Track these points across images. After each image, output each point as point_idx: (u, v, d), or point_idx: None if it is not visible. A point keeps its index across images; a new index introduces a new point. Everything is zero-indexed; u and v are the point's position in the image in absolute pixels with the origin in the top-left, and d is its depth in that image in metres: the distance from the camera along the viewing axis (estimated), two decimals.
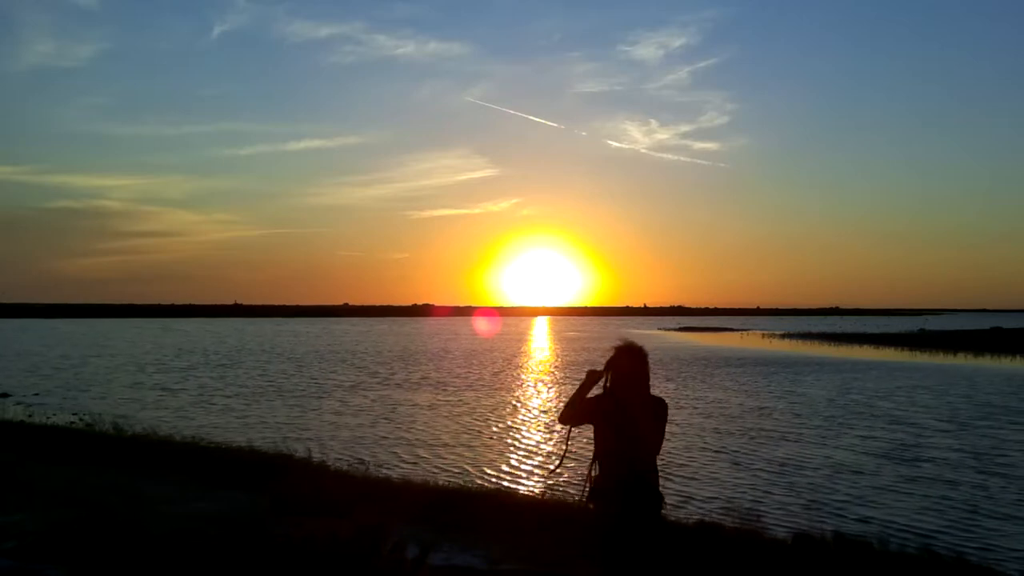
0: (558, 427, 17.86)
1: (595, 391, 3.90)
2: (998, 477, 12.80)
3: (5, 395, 23.28)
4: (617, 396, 3.82)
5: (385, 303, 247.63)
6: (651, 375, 3.93)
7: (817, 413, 20.40)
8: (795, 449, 15.19)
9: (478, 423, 18.97)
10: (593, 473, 3.90)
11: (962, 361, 42.01)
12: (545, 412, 21.29)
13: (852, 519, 10.00)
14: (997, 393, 25.48)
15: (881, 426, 18.21)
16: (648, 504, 3.76)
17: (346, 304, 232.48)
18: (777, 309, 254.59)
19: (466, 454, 14.82)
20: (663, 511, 3.87)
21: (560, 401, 23.68)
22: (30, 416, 18.00)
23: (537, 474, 13.21)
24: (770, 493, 11.50)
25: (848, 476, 12.79)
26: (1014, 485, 12.23)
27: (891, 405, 22.11)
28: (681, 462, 13.68)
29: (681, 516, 8.75)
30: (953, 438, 16.60)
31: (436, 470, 13.03)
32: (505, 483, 12.24)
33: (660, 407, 3.87)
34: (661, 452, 3.97)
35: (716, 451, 14.98)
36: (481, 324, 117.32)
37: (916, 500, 11.17)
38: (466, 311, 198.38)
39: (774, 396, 24.50)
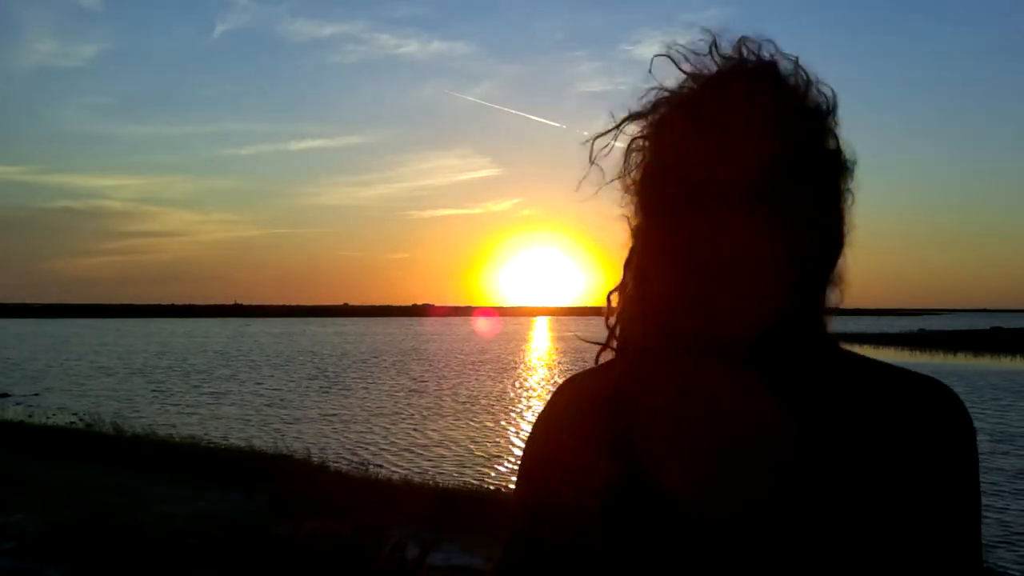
0: None
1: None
2: None
3: (5, 395, 23.27)
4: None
5: (385, 303, 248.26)
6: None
7: None
8: None
9: (475, 424, 18.97)
10: None
11: (961, 361, 41.99)
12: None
13: None
14: None
15: None
16: None
17: (346, 304, 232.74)
18: None
19: (465, 455, 14.83)
20: None
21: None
22: (30, 416, 17.99)
23: None
24: None
25: None
26: None
27: None
28: None
29: None
30: None
31: (436, 470, 13.03)
32: (505, 483, 12.23)
33: (936, 426, 0.74)
34: None
35: None
36: (480, 324, 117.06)
37: None
38: (465, 311, 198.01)
39: None
